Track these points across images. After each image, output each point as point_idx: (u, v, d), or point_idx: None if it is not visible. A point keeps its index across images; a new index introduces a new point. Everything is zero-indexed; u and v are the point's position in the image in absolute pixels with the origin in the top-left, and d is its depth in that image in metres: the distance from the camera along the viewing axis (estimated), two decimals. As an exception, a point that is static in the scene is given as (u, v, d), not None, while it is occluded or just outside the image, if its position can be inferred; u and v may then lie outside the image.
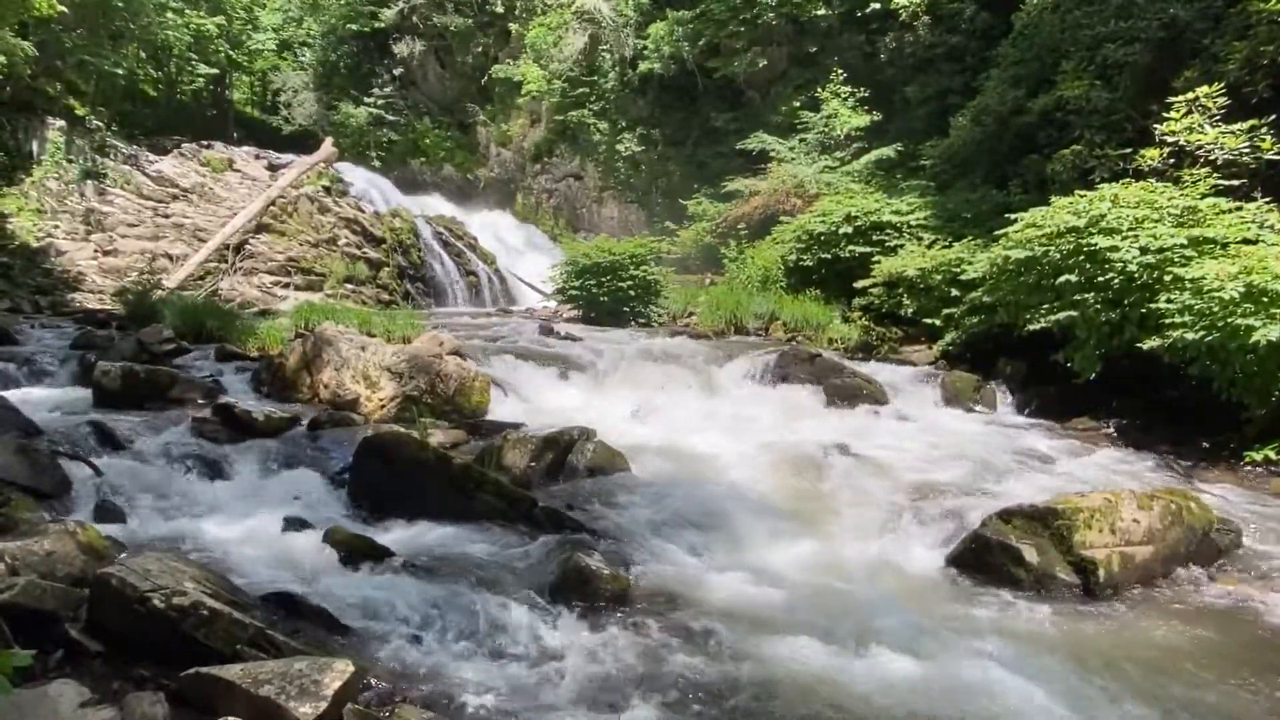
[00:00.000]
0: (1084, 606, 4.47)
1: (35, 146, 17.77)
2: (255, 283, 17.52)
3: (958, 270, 10.02)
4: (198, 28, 22.23)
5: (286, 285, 17.74)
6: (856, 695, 3.45)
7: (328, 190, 20.19)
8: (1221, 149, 8.53)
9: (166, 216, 18.37)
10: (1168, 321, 6.88)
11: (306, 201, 19.25)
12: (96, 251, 17.04)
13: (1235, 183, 8.37)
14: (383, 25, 25.67)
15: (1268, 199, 8.02)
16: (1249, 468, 6.69)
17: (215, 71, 25.07)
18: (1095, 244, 7.64)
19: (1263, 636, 4.17)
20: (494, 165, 26.34)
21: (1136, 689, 3.61)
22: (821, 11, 18.01)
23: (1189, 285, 6.85)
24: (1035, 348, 8.67)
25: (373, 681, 3.24)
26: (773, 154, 17.03)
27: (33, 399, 7.01)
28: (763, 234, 15.39)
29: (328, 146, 23.25)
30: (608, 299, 13.79)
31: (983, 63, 14.53)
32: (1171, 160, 9.01)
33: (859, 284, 11.63)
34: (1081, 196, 8.27)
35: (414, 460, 5.47)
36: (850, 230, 12.18)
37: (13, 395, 6.65)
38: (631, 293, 13.82)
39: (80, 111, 19.01)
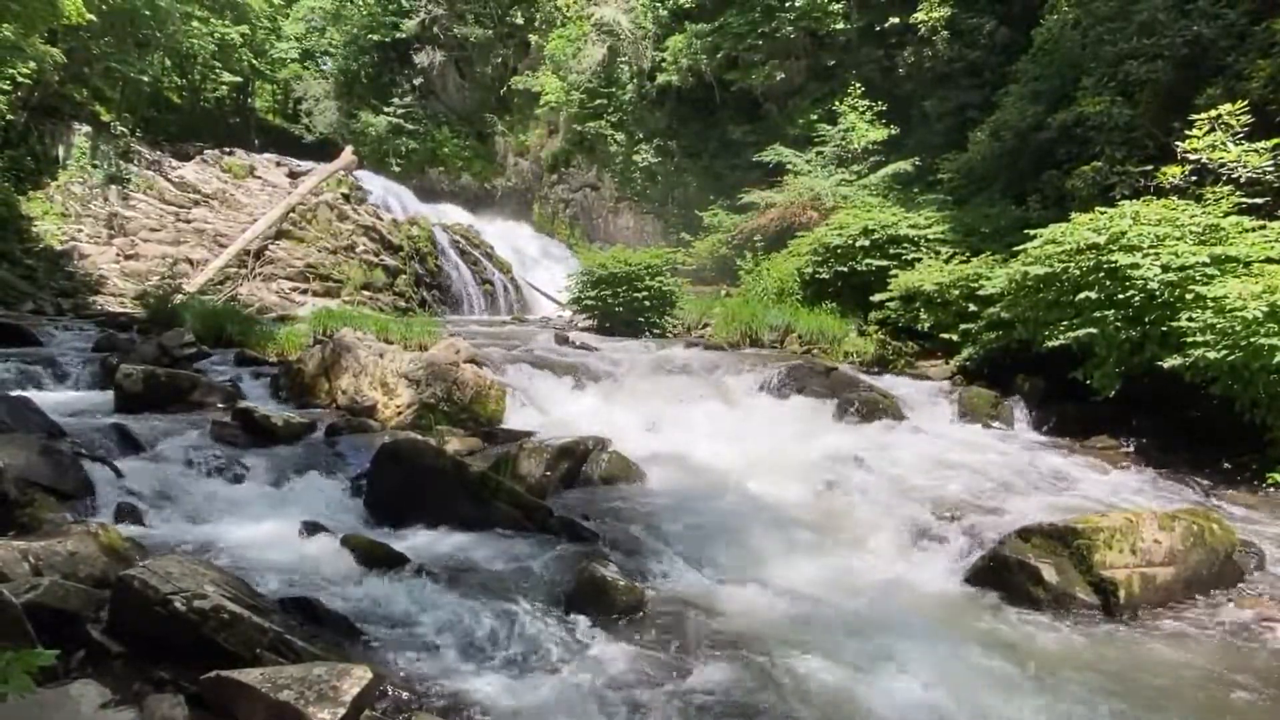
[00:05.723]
0: (1103, 627, 4.42)
1: (61, 151, 18.08)
2: (274, 288, 17.69)
3: (975, 285, 9.96)
4: (222, 36, 22.60)
5: (305, 291, 17.90)
6: (872, 712, 3.42)
7: (347, 198, 20.39)
8: (1245, 167, 8.46)
9: (188, 221, 18.61)
10: (1189, 340, 6.81)
11: (326, 208, 19.44)
12: (118, 255, 17.27)
13: (1259, 201, 8.30)
14: (404, 35, 25.96)
15: (1292, 218, 7.95)
16: (1271, 489, 6.59)
17: (238, 79, 25.46)
18: (1116, 261, 7.58)
19: (1286, 661, 4.10)
20: (511, 175, 26.52)
21: (1156, 711, 3.56)
22: (840, 26, 18.06)
23: (1211, 304, 6.78)
24: (1054, 365, 8.59)
25: (389, 689, 3.25)
26: (789, 166, 17.05)
27: (56, 400, 7.10)
28: (779, 246, 15.39)
29: (347, 154, 23.52)
30: (623, 309, 13.81)
31: (1002, 78, 14.51)
32: (1194, 178, 8.94)
33: (875, 297, 11.58)
34: (1102, 213, 8.21)
35: (431, 467, 5.50)
36: (867, 243, 12.14)
37: (36, 397, 6.73)
38: (647, 303, 13.83)
39: (106, 117, 19.34)
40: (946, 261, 11.10)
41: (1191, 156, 8.84)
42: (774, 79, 19.02)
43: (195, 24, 21.38)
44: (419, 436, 6.48)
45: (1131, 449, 7.83)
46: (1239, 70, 9.17)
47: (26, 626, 2.99)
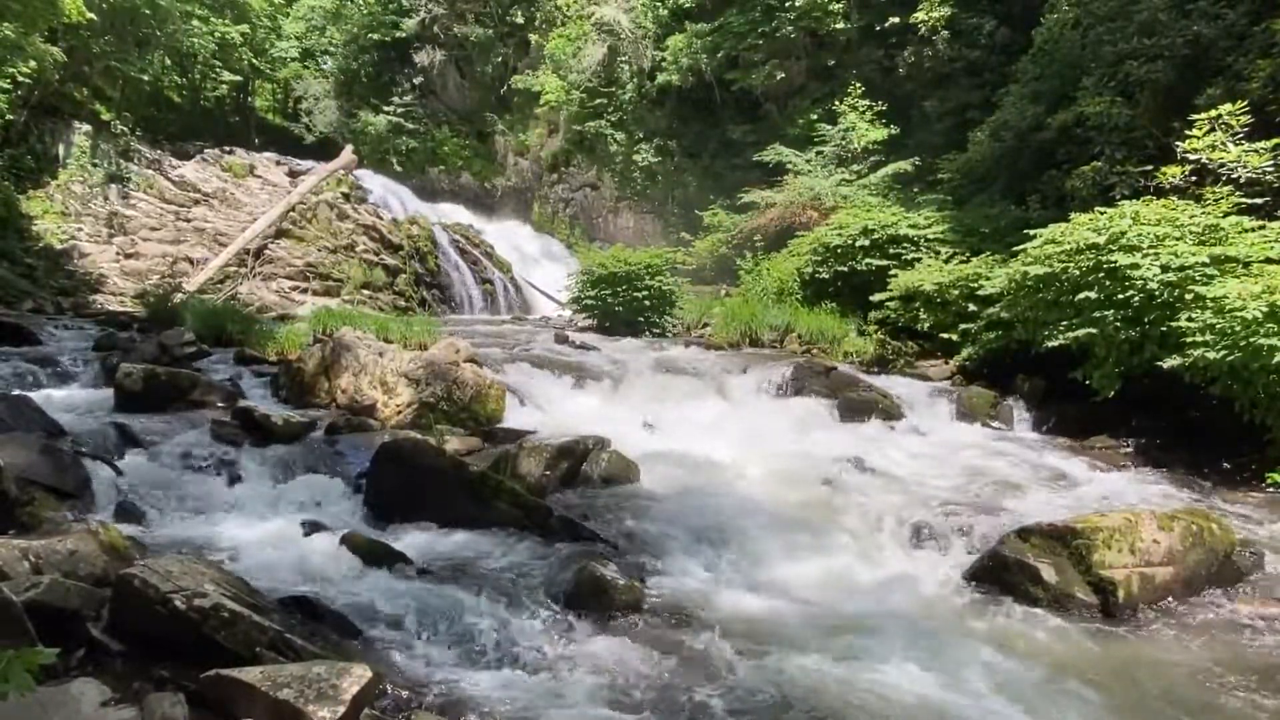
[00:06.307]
0: (1102, 627, 4.42)
1: (61, 150, 18.08)
2: (274, 287, 17.70)
3: (975, 285, 9.96)
4: (222, 35, 22.58)
5: (304, 290, 17.90)
6: (870, 712, 3.42)
7: (347, 197, 20.39)
8: (1244, 167, 8.47)
9: (188, 220, 18.62)
10: (1189, 340, 6.81)
11: (326, 208, 19.45)
12: (118, 254, 17.28)
13: (1258, 201, 8.30)
14: (404, 35, 25.95)
15: (1291, 218, 7.95)
16: (1271, 489, 6.60)
17: (238, 78, 25.46)
18: (1115, 261, 7.58)
19: (1285, 661, 4.11)
20: (511, 174, 26.51)
21: (1154, 710, 3.57)
22: (840, 25, 18.05)
23: (1211, 304, 6.78)
24: (1053, 365, 8.60)
25: (389, 687, 3.25)
26: (790, 166, 17.05)
27: (56, 399, 7.11)
28: (779, 246, 15.38)
29: (347, 154, 23.53)
30: (623, 309, 13.81)
31: (1002, 78, 14.51)
32: (1193, 178, 8.95)
33: (875, 297, 11.58)
34: (1102, 213, 8.21)
35: (431, 467, 5.51)
36: (867, 243, 12.14)
37: (37, 395, 6.74)
38: (647, 303, 13.83)
39: (106, 116, 19.33)
40: (946, 261, 11.11)
41: (1191, 157, 8.84)
42: (774, 79, 19.01)
43: (195, 23, 21.36)
44: (419, 436, 6.49)
45: (1131, 449, 7.83)
46: (1239, 70, 9.18)
47: (27, 625, 3.00)
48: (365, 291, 18.31)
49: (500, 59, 25.95)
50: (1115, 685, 3.75)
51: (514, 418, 8.00)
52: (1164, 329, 7.28)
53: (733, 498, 6.08)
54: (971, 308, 10.01)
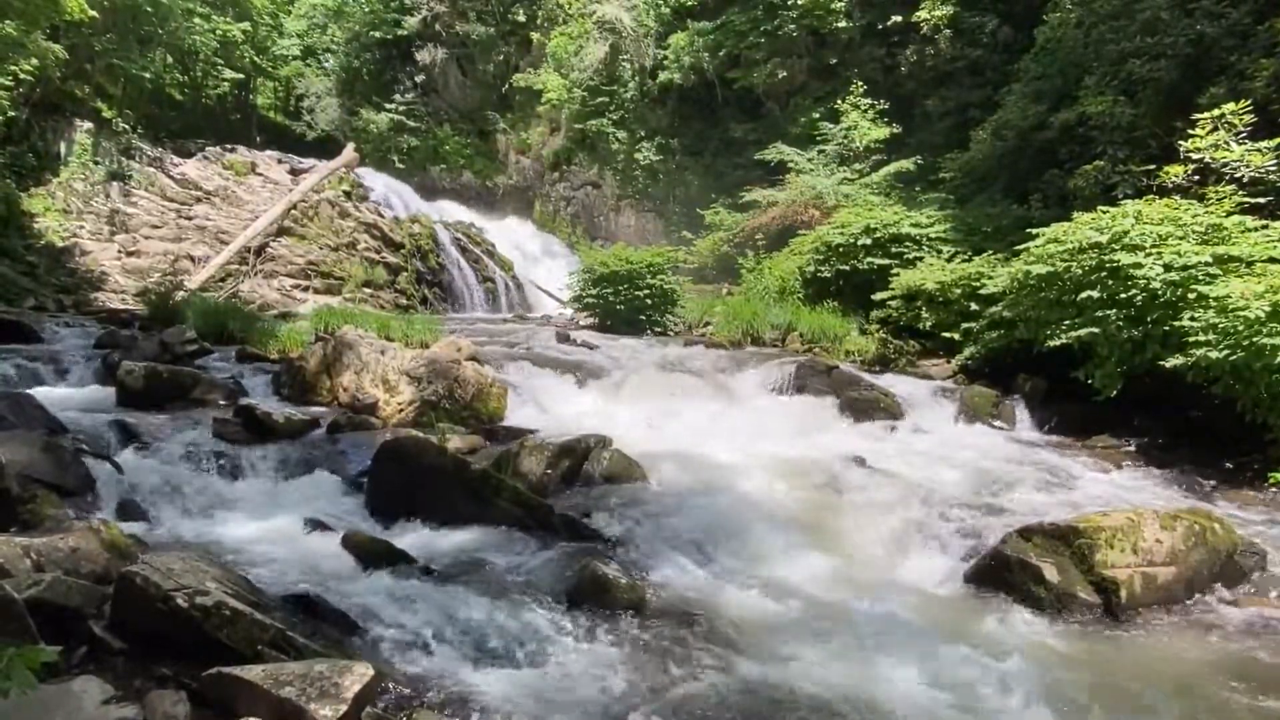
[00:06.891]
0: (1105, 627, 4.42)
1: (63, 148, 18.06)
2: (275, 285, 17.69)
3: (977, 284, 9.96)
4: (224, 33, 22.55)
5: (306, 288, 17.89)
6: (872, 712, 3.42)
7: (348, 195, 20.37)
8: (1247, 166, 8.46)
9: (189, 218, 18.60)
10: (1191, 340, 6.81)
11: (327, 206, 19.43)
12: (120, 252, 17.27)
13: (1261, 200, 8.30)
14: (406, 33, 25.93)
15: (1294, 217, 7.93)
16: (1274, 489, 6.59)
17: (240, 76, 25.41)
18: (1118, 260, 7.57)
19: (1287, 661, 4.10)
20: (513, 173, 26.49)
21: (1157, 710, 3.57)
22: (842, 24, 18.03)
23: (1213, 303, 6.77)
24: (1055, 364, 8.59)
25: (390, 686, 3.26)
26: (791, 165, 17.03)
27: (57, 397, 7.10)
28: (780, 245, 15.37)
29: (349, 152, 23.50)
30: (624, 307, 13.80)
31: (1004, 77, 14.50)
32: (1196, 177, 8.94)
33: (877, 296, 11.57)
34: (1104, 212, 8.20)
35: (432, 465, 5.51)
36: (869, 242, 12.14)
37: (38, 393, 6.74)
38: (648, 301, 13.83)
39: (107, 114, 19.31)
40: (948, 260, 11.10)
41: (1194, 156, 8.83)
42: (776, 77, 19.00)
43: (197, 21, 21.33)
44: (420, 434, 6.49)
45: (1133, 449, 7.83)
46: (1242, 69, 9.16)
47: (29, 623, 3.00)
48: (367, 290, 18.30)
49: (502, 57, 25.93)
50: (1117, 685, 3.74)
51: (516, 416, 8.00)
52: (1166, 328, 7.27)
53: (734, 497, 6.07)
54: (973, 307, 10.00)
